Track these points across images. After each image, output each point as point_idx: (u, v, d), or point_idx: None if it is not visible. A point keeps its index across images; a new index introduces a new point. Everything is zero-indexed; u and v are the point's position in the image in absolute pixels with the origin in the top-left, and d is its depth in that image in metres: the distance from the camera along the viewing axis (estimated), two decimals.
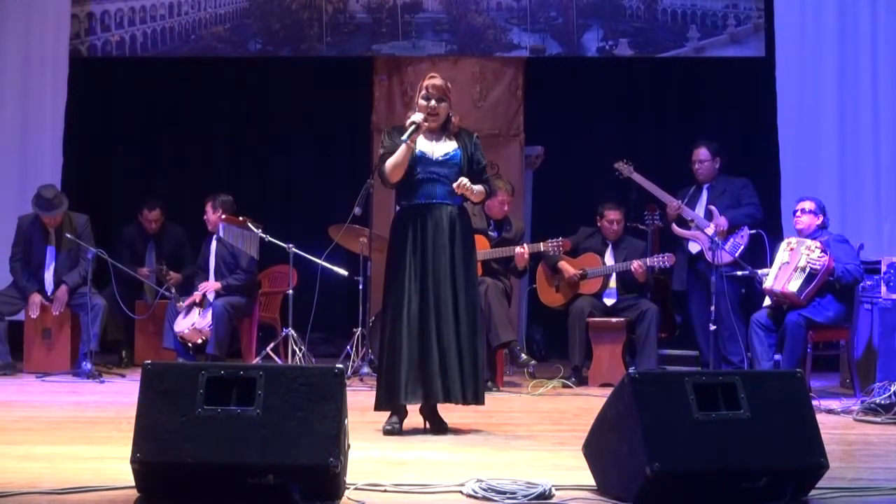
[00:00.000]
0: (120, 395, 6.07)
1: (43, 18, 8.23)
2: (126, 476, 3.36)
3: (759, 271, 6.54)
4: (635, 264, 6.96)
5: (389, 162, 4.83)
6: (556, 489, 3.45)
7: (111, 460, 3.94)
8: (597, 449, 3.57)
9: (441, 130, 4.94)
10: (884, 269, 6.71)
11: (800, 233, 6.53)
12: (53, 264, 7.32)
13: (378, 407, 4.87)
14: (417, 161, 4.85)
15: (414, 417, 4.92)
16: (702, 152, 7.24)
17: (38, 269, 7.34)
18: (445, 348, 4.77)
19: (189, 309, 7.34)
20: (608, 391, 3.84)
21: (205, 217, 7.50)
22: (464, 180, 4.81)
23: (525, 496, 3.37)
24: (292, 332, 6.93)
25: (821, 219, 6.51)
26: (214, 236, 7.47)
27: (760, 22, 8.20)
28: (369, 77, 8.61)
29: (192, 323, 7.22)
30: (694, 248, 7.15)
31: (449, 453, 4.33)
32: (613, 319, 7.08)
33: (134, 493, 3.31)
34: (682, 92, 8.97)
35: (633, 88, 9.07)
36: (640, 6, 8.28)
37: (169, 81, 8.94)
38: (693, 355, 7.34)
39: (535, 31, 8.34)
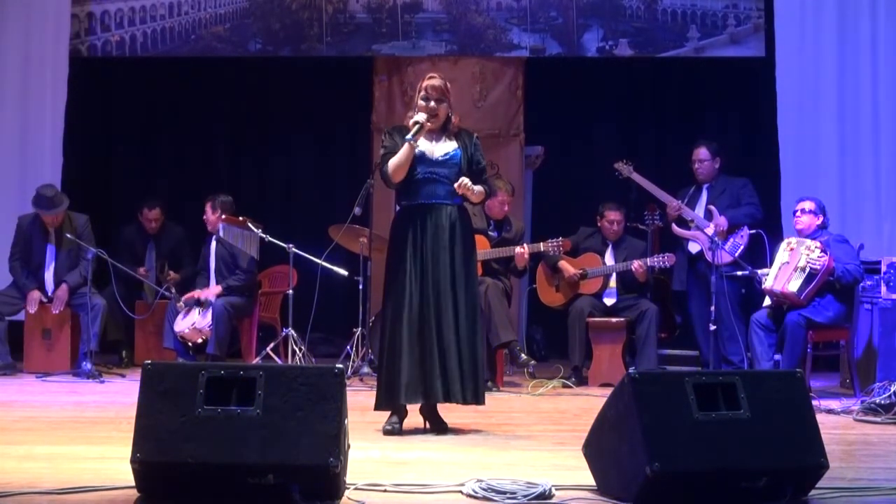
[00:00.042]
0: (120, 395, 6.07)
1: (43, 18, 8.23)
2: (126, 476, 3.36)
3: (759, 271, 6.54)
4: (636, 264, 6.96)
5: (392, 162, 4.83)
6: (556, 489, 3.45)
7: (111, 460, 3.94)
8: (597, 449, 3.57)
9: (441, 130, 4.94)
10: (884, 269, 6.71)
11: (800, 233, 6.53)
12: (53, 264, 7.33)
13: (378, 407, 4.87)
14: (418, 161, 4.85)
15: (414, 417, 4.92)
16: (702, 152, 7.24)
17: (38, 269, 7.34)
18: (445, 348, 4.77)
19: (189, 309, 7.34)
20: (608, 391, 3.84)
21: (204, 217, 7.50)
22: (465, 180, 4.81)
23: (525, 496, 3.37)
24: (292, 332, 6.93)
25: (821, 219, 6.51)
26: (214, 237, 7.48)
27: (760, 22, 8.20)
28: (369, 77, 8.61)
29: (192, 323, 7.23)
30: (694, 248, 7.15)
31: (449, 453, 4.33)
32: (613, 319, 7.08)
33: (134, 493, 3.31)
34: (682, 92, 8.97)
35: (633, 88, 9.07)
36: (640, 6, 8.28)
37: (169, 81, 8.94)
38: (693, 355, 7.34)
39: (535, 31, 8.34)
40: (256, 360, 7.04)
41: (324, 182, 9.08)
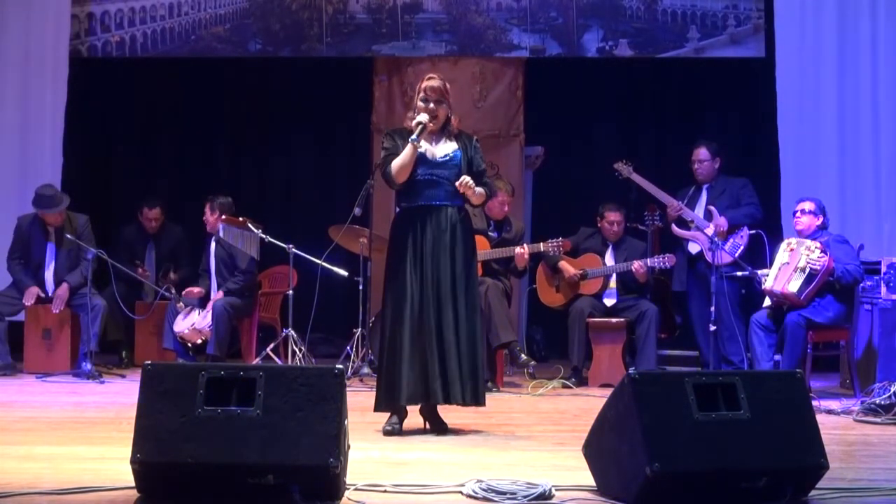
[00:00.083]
0: (120, 395, 6.07)
1: (43, 18, 8.23)
2: (126, 476, 3.36)
3: (759, 272, 6.54)
4: (636, 265, 6.96)
5: (396, 163, 4.83)
6: (556, 489, 3.45)
7: (111, 460, 3.94)
8: (597, 449, 3.57)
9: (441, 131, 4.94)
10: (884, 269, 6.70)
11: (800, 233, 6.53)
12: (54, 263, 7.33)
13: (378, 408, 4.87)
14: (418, 163, 4.85)
15: (414, 417, 4.92)
16: (701, 152, 7.24)
17: (39, 269, 7.34)
18: (446, 350, 4.77)
19: (189, 309, 7.34)
20: (608, 391, 3.84)
21: (204, 219, 7.50)
22: (466, 178, 4.80)
23: (525, 496, 3.37)
24: (292, 332, 6.93)
25: (821, 219, 6.51)
26: (213, 238, 7.48)
27: (760, 22, 8.20)
28: (369, 77, 8.61)
29: (192, 323, 7.23)
30: (694, 248, 7.15)
31: (449, 453, 4.33)
32: (613, 320, 7.08)
33: (134, 493, 3.31)
34: (682, 92, 8.97)
35: (633, 88, 9.07)
36: (640, 6, 8.28)
37: (169, 81, 8.94)
38: (693, 355, 7.34)
39: (535, 32, 8.34)
40: (256, 361, 7.04)
41: (324, 182, 9.08)
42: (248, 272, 7.41)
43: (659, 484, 3.20)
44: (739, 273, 6.77)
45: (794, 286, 6.25)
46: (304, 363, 6.82)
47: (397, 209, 5.07)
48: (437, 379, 4.75)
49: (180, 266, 7.91)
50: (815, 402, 4.17)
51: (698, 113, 8.95)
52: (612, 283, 7.19)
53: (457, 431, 4.88)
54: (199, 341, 7.22)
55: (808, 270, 6.22)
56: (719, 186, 7.20)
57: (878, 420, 5.30)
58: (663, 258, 6.96)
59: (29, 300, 7.21)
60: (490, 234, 6.94)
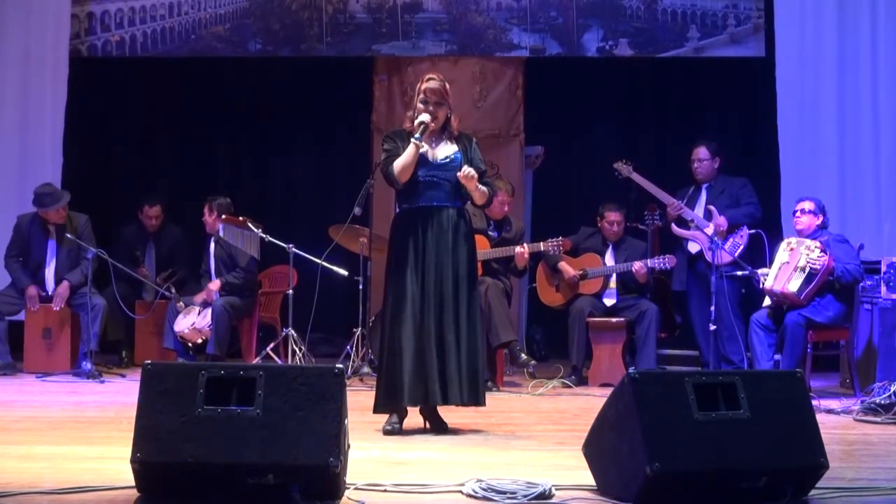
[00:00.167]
0: (120, 395, 6.07)
1: (43, 18, 8.22)
2: (126, 476, 3.36)
3: (759, 271, 6.54)
4: (637, 266, 6.96)
5: (398, 163, 4.82)
6: (556, 489, 3.45)
7: (111, 460, 3.94)
8: (597, 449, 3.57)
9: (441, 133, 4.93)
10: (884, 269, 6.70)
11: (799, 233, 6.53)
12: (54, 261, 7.33)
13: (377, 409, 4.87)
14: (419, 164, 4.84)
15: (414, 417, 4.92)
16: (701, 151, 7.25)
17: (38, 268, 7.34)
18: (446, 350, 4.77)
19: (189, 309, 7.34)
20: (608, 391, 3.84)
21: (203, 219, 7.50)
22: (469, 170, 4.78)
23: (525, 496, 3.37)
24: (292, 332, 6.93)
25: (820, 219, 6.51)
26: (213, 238, 7.48)
27: (760, 22, 8.20)
28: (369, 77, 8.61)
29: (192, 323, 7.22)
30: (693, 248, 7.15)
31: (449, 453, 4.33)
32: (613, 319, 7.08)
33: (134, 493, 3.31)
34: (682, 92, 8.97)
35: (633, 88, 9.07)
36: (640, 6, 8.28)
37: (169, 81, 8.94)
38: (693, 355, 7.34)
39: (535, 31, 8.34)
40: (256, 360, 7.04)
41: (324, 182, 9.08)
42: (249, 271, 7.41)
43: (659, 484, 3.20)
44: (739, 273, 6.77)
45: (793, 286, 6.25)
46: (304, 363, 6.82)
47: (398, 210, 5.07)
48: (436, 380, 4.75)
49: (180, 267, 7.91)
50: (815, 402, 4.17)
51: (698, 113, 8.95)
52: (612, 283, 7.19)
53: (456, 431, 4.88)
54: (200, 341, 7.22)
55: (807, 270, 6.22)
56: (719, 186, 7.21)
57: (878, 420, 5.30)
58: (663, 259, 6.95)
59: (34, 305, 7.21)
60: (490, 233, 6.94)
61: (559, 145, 8.88)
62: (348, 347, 7.14)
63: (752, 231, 6.83)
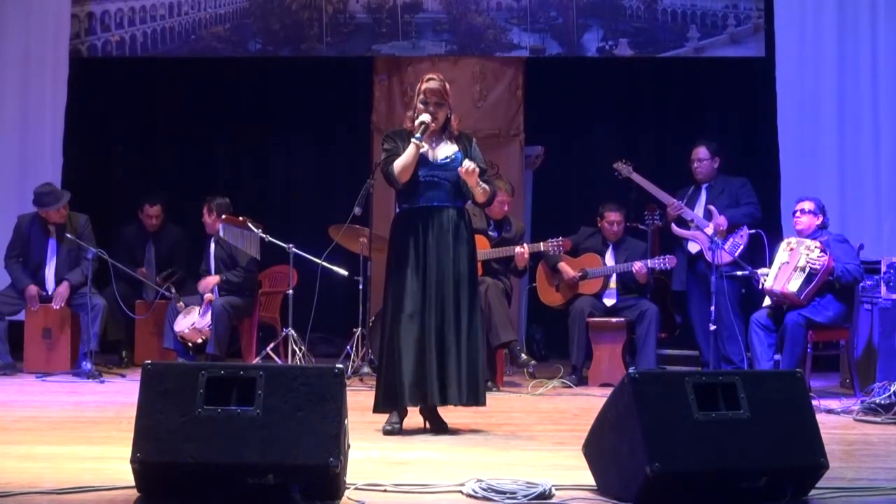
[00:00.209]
0: (120, 395, 6.07)
1: (43, 18, 8.23)
2: (126, 476, 3.36)
3: (759, 271, 6.54)
4: (637, 266, 6.96)
5: (399, 162, 4.82)
6: (556, 489, 3.45)
7: (111, 460, 3.94)
8: (597, 449, 3.57)
9: (441, 133, 4.93)
10: (884, 269, 6.70)
11: (799, 233, 6.52)
12: (55, 260, 7.33)
13: (377, 409, 4.87)
14: (419, 164, 4.84)
15: (414, 417, 4.92)
16: (701, 151, 7.25)
17: (39, 268, 7.34)
18: (446, 350, 4.77)
19: (189, 309, 7.34)
20: (608, 391, 3.84)
21: (203, 220, 7.50)
22: (471, 164, 4.78)
23: (525, 496, 3.37)
24: (292, 332, 6.93)
25: (820, 219, 6.51)
26: (213, 238, 7.48)
27: (760, 22, 8.20)
28: (369, 77, 8.61)
29: (192, 323, 7.22)
30: (693, 248, 7.15)
31: (449, 453, 4.33)
32: (613, 319, 7.08)
33: (134, 493, 3.31)
34: (682, 92, 8.97)
35: (633, 88, 9.07)
36: (640, 6, 8.28)
37: (169, 81, 8.95)
38: (693, 355, 7.34)
39: (535, 31, 8.34)
40: (256, 360, 7.04)
41: (324, 182, 9.08)
42: (249, 271, 7.41)
43: (659, 484, 3.20)
44: (739, 272, 6.77)
45: (793, 286, 6.25)
46: (304, 363, 6.82)
47: (398, 210, 5.07)
48: (435, 380, 4.75)
49: (180, 267, 7.91)
50: (815, 402, 4.17)
51: (698, 113, 8.94)
52: (612, 283, 7.19)
53: (456, 431, 4.88)
54: (200, 341, 7.22)
55: (807, 270, 6.22)
56: (718, 186, 7.20)
57: (878, 420, 5.30)
58: (664, 259, 6.95)
59: (34, 305, 7.21)
60: (490, 233, 6.94)
61: (559, 145, 8.88)
62: (348, 347, 7.14)
63: (752, 231, 6.83)
